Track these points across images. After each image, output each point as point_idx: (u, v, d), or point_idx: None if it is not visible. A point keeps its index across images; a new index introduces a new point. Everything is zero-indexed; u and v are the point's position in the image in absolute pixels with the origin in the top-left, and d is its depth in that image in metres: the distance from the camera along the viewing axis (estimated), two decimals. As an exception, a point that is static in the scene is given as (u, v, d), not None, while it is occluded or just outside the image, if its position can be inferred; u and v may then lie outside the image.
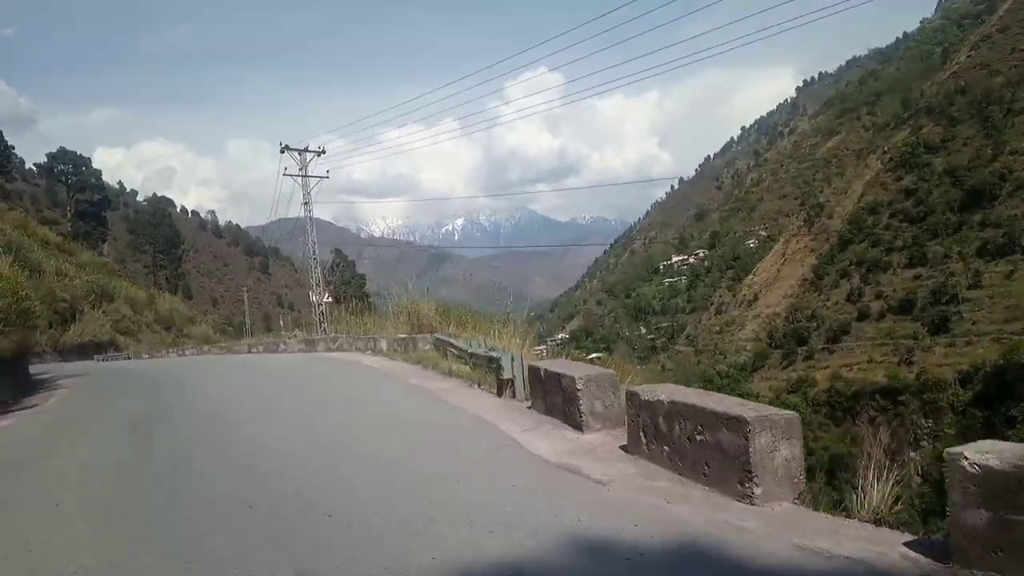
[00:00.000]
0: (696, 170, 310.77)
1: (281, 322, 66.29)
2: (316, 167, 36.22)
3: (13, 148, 66.84)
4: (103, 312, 47.12)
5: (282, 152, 34.77)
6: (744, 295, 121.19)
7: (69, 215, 68.33)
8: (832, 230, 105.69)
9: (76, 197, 68.32)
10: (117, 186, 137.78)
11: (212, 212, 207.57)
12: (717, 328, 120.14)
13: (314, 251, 39.12)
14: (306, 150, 35.22)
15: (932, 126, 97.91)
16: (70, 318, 45.04)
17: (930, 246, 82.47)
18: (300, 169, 35.29)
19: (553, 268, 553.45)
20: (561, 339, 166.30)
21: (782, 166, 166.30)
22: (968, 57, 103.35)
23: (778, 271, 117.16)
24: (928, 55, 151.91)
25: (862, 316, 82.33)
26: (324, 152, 35.73)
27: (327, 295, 67.54)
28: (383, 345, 17.35)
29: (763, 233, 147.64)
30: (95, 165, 72.32)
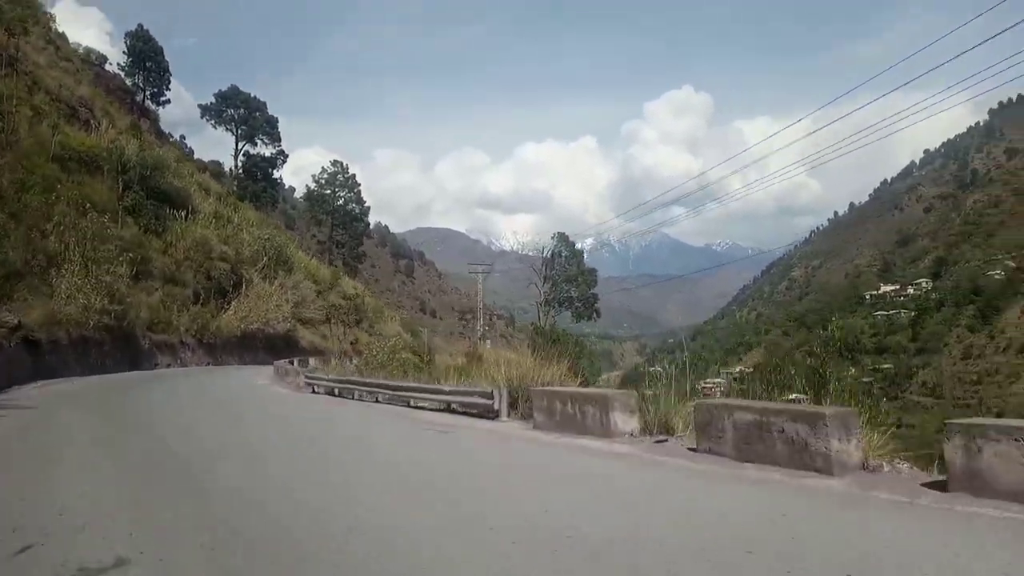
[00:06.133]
0: (870, 195, 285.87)
1: (480, 327, 50.45)
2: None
3: (169, 73, 55.03)
4: (280, 286, 32.31)
5: None
6: (1011, 338, 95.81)
7: (235, 171, 56.17)
8: None
9: (245, 149, 56.37)
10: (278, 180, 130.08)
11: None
12: (973, 377, 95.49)
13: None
14: None
15: None
16: (230, 289, 30.68)
17: None
18: None
19: (687, 294, 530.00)
20: (741, 372, 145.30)
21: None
22: None
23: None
24: None
25: None
26: None
27: (541, 294, 51.26)
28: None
29: (1011, 263, 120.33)
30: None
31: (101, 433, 9.62)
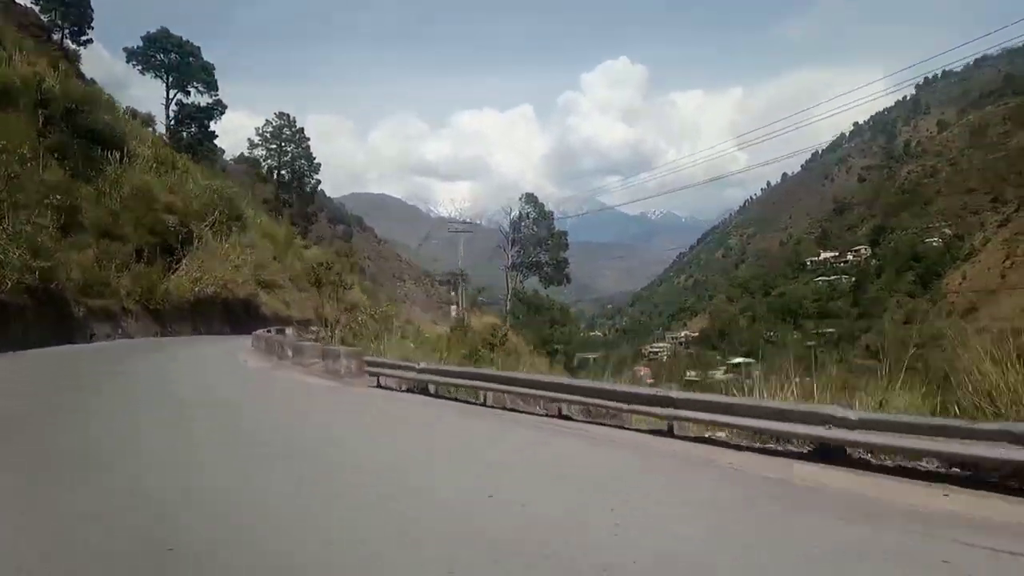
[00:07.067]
0: (802, 166, 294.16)
1: (458, 291, 47.11)
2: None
3: (91, 9, 47.89)
4: (233, 245, 27.91)
5: None
6: (953, 303, 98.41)
7: (168, 120, 50.24)
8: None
9: (178, 99, 50.38)
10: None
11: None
12: (917, 341, 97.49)
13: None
14: None
15: None
16: (179, 246, 26.99)
17: None
18: None
19: (624, 262, 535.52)
20: (686, 337, 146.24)
21: (963, 155, 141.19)
22: None
23: (1002, 277, 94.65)
24: None
25: None
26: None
27: (508, 258, 48.04)
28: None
29: (948, 231, 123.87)
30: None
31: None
